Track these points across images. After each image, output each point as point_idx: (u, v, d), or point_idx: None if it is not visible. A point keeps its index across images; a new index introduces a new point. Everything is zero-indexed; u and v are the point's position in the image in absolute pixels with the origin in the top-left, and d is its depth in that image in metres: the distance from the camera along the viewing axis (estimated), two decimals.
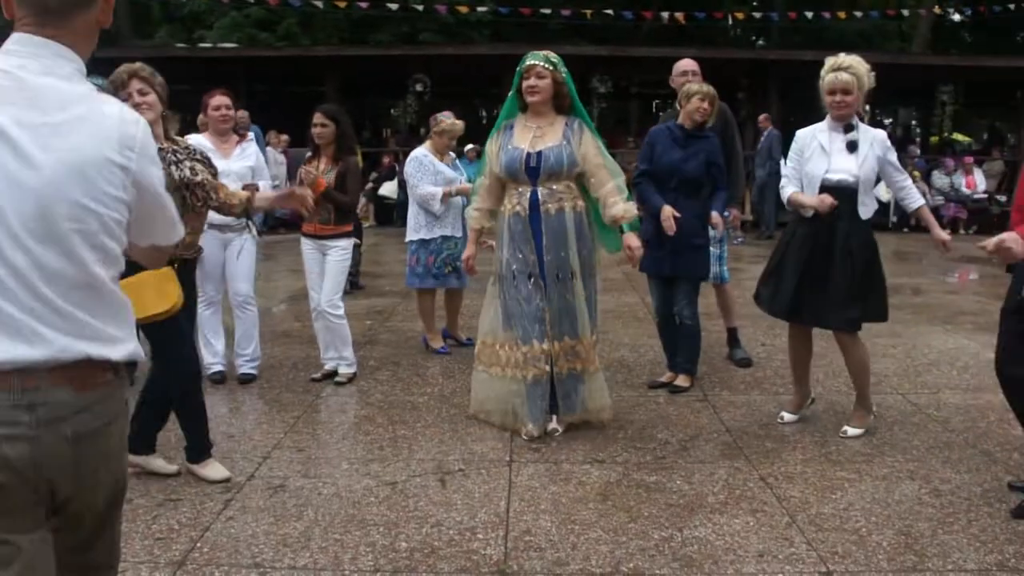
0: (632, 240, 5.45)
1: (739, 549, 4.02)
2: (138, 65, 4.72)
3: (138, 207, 2.13)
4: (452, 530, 4.21)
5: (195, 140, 6.55)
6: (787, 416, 5.78)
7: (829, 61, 5.36)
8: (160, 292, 4.26)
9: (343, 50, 21.95)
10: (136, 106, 4.55)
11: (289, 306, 9.99)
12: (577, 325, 5.48)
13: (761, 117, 17.67)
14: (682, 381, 6.49)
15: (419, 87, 19.75)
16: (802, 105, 22.67)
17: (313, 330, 6.93)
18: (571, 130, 5.47)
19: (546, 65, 5.40)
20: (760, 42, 34.87)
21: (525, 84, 5.40)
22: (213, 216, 6.46)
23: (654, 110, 27.42)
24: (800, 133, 5.66)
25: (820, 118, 5.63)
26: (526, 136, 5.43)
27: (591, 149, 5.48)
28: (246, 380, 6.76)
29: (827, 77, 5.32)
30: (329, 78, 19.60)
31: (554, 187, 5.39)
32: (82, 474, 2.09)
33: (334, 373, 6.77)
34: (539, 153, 5.35)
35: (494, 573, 3.81)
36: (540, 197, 5.38)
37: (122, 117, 2.10)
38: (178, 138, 5.09)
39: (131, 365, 2.11)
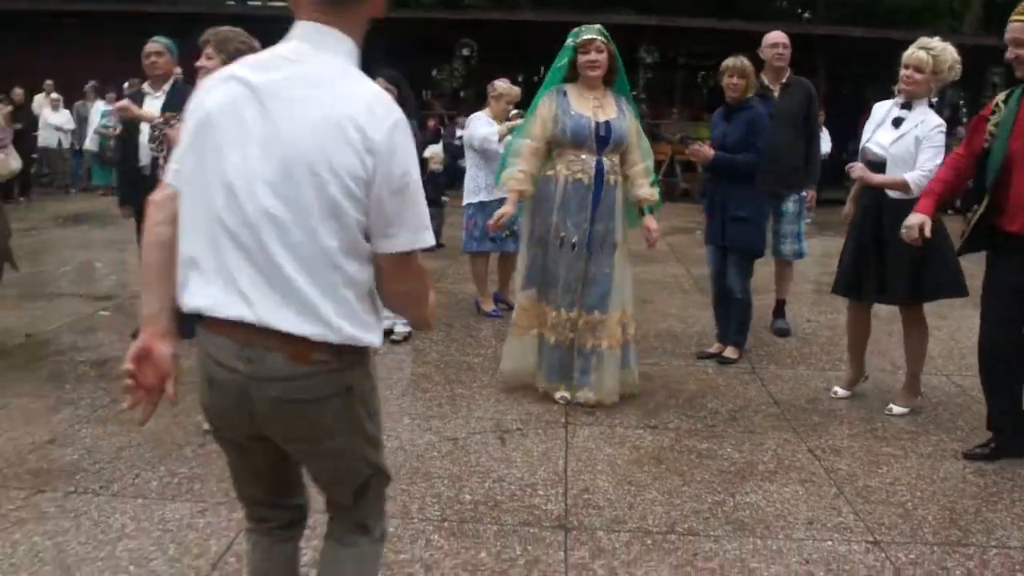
0: (651, 222, 5.61)
1: (789, 516, 4.19)
2: (213, 30, 4.88)
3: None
4: (514, 485, 4.41)
5: None
6: (840, 391, 5.91)
7: (919, 40, 5.43)
8: None
9: (390, 12, 21.98)
10: (200, 71, 4.77)
11: None
12: (608, 300, 5.60)
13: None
14: (730, 353, 6.64)
15: (466, 51, 19.81)
16: (851, 82, 22.62)
17: None
18: (622, 105, 5.61)
19: (604, 40, 5.52)
20: (806, 15, 34.57)
21: (585, 58, 5.50)
22: None
23: (699, 81, 27.30)
24: (876, 105, 5.75)
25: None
26: (586, 105, 5.51)
27: (633, 128, 5.62)
28: None
29: (907, 52, 5.39)
30: (376, 40, 19.67)
31: (613, 159, 5.53)
32: (285, 434, 2.35)
33: (390, 331, 6.96)
34: (607, 123, 5.47)
35: (556, 527, 3.99)
36: (605, 167, 5.50)
37: (370, 99, 2.20)
38: None
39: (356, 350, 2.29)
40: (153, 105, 6.43)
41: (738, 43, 8.31)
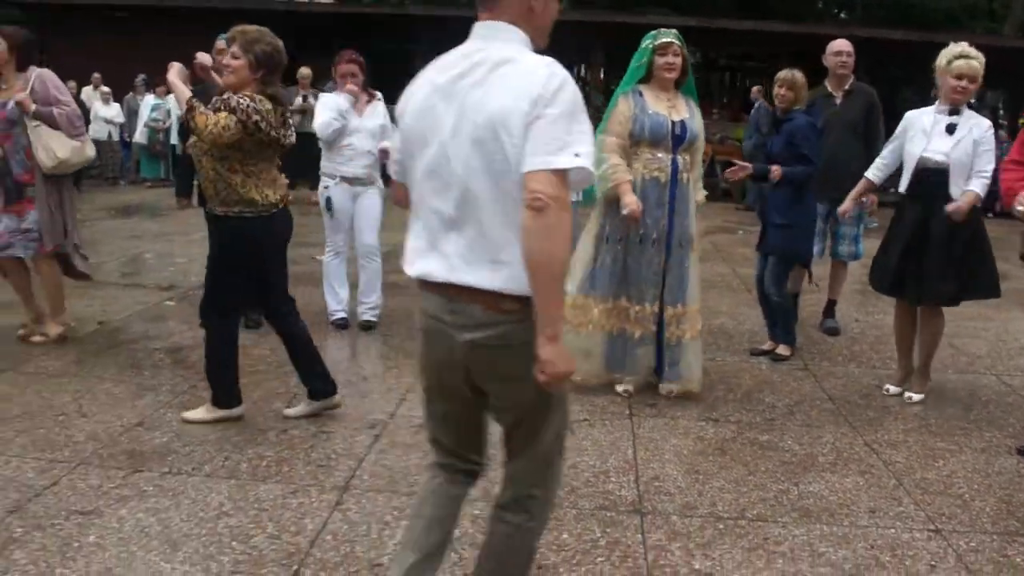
0: None
1: (852, 505, 4.36)
2: (240, 29, 4.95)
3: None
4: (587, 472, 4.61)
5: (329, 98, 6.97)
6: (891, 388, 6.08)
7: (953, 48, 5.58)
8: None
9: (442, 9, 22.25)
10: (224, 68, 4.95)
11: (398, 258, 10.38)
12: (687, 293, 5.79)
13: (754, 89, 17.56)
14: (783, 350, 6.80)
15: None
16: (887, 85, 22.60)
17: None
18: (691, 107, 5.79)
19: (680, 44, 5.70)
20: (842, 15, 34.55)
21: (662, 60, 5.66)
22: (344, 169, 6.90)
23: (737, 82, 27.41)
24: (909, 114, 5.91)
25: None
26: (661, 105, 5.68)
27: (700, 128, 5.81)
28: (367, 327, 7.21)
29: (956, 63, 5.53)
30: (424, 36, 19.87)
31: (686, 157, 5.71)
32: (482, 375, 2.72)
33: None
34: (682, 123, 5.65)
35: (631, 512, 4.19)
36: (679, 165, 5.67)
37: (541, 74, 2.50)
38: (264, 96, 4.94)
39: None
40: None
41: (778, 44, 8.47)
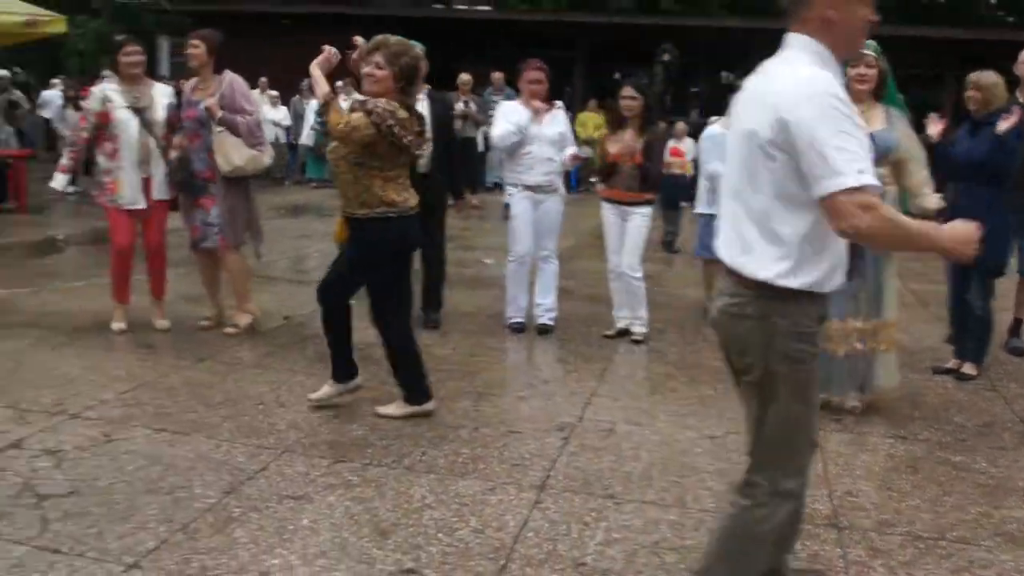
0: None
1: None
2: (383, 39, 5.12)
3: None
4: None
5: (510, 105, 7.11)
6: None
7: None
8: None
9: (594, 16, 22.38)
10: (366, 76, 5.08)
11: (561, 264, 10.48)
12: (885, 306, 5.71)
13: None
14: (969, 369, 6.62)
15: (666, 57, 19.93)
16: None
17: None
18: (890, 117, 5.69)
19: (875, 55, 5.63)
20: (1010, 19, 33.26)
21: (854, 72, 5.59)
22: (525, 177, 7.03)
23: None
24: None
25: None
26: None
27: (906, 138, 5.70)
28: (544, 331, 7.31)
29: None
30: (579, 44, 20.08)
31: (880, 170, 5.63)
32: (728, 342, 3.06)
33: (626, 331, 7.22)
34: (871, 135, 5.58)
35: (827, 526, 4.17)
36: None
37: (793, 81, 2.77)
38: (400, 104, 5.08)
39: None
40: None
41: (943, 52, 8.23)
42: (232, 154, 6.68)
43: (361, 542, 3.85)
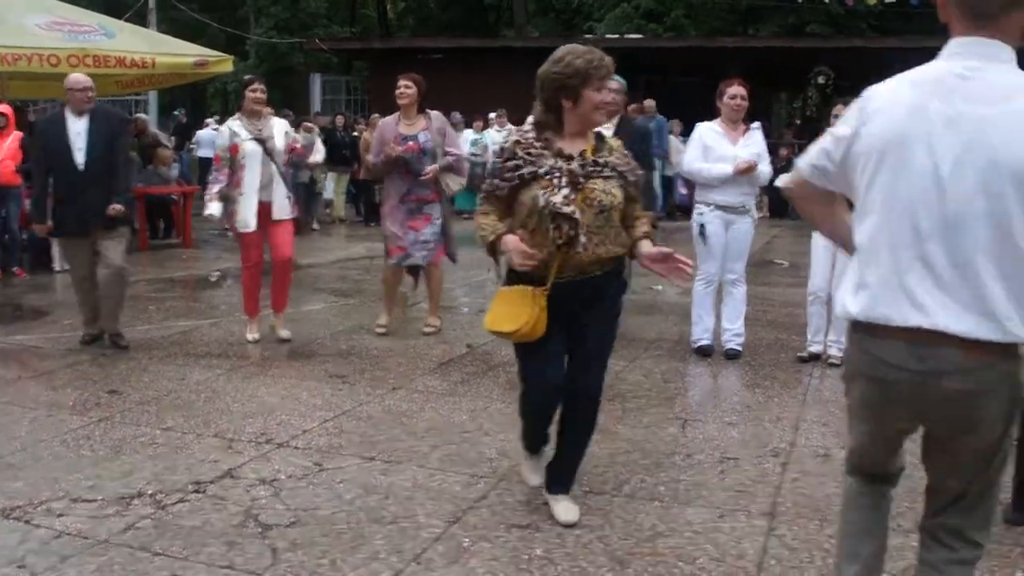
0: None
1: None
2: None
3: None
4: None
5: (707, 126, 7.01)
6: None
7: None
8: (513, 311, 3.93)
9: (746, 41, 22.16)
10: (605, 104, 4.25)
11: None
12: None
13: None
14: None
15: (821, 79, 19.60)
16: None
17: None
18: None
19: None
20: None
21: None
22: (717, 197, 6.93)
23: None
24: None
25: None
26: None
27: None
28: (732, 355, 7.16)
29: None
30: (731, 67, 19.85)
31: None
32: (949, 419, 2.67)
33: (818, 356, 7.02)
34: None
35: None
36: None
37: None
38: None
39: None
40: None
41: None
42: (452, 179, 7.70)
43: (601, 571, 3.76)
